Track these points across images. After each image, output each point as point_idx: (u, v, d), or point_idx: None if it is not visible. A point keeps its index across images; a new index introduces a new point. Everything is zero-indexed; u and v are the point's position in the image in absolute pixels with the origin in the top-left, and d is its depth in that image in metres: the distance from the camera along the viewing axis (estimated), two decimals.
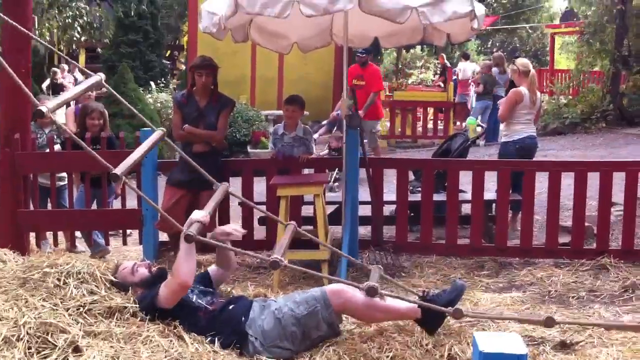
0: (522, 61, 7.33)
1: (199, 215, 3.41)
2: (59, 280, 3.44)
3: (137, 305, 3.49)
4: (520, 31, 33.04)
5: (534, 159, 6.99)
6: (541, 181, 6.08)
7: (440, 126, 14.79)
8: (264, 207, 6.18)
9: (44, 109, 3.07)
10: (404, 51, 22.71)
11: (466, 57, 18.82)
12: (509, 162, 6.34)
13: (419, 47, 24.47)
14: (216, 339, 3.40)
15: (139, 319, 3.40)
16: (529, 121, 6.97)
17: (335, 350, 3.31)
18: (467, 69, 17.32)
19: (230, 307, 3.63)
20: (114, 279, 3.70)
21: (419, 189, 6.36)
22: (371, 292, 3.27)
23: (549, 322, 3.36)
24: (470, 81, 16.66)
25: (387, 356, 3.28)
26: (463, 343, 3.56)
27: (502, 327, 3.93)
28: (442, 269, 5.57)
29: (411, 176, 6.73)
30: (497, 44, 34.69)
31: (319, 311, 3.51)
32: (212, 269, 4.05)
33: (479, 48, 32.67)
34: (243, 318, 3.53)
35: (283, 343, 3.46)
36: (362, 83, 10.21)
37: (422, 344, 3.50)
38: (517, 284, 5.22)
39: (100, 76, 3.68)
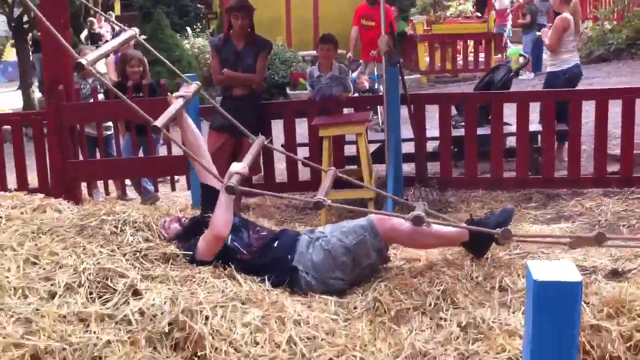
0: None
1: (238, 167, 3.40)
2: (115, 227, 3.51)
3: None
4: None
5: (579, 87, 6.85)
6: (587, 110, 5.95)
7: (481, 59, 14.45)
8: (306, 150, 6.22)
9: (83, 61, 3.09)
10: None
11: None
12: (553, 91, 6.23)
13: None
14: (266, 277, 3.45)
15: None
16: (574, 48, 6.83)
17: (387, 286, 3.35)
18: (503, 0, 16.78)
19: (275, 244, 3.62)
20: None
21: (462, 123, 6.29)
22: (417, 221, 3.19)
23: (600, 238, 3.26)
24: (508, 10, 16.17)
25: (438, 290, 3.30)
26: (514, 274, 3.55)
27: (553, 258, 3.92)
28: (489, 203, 5.55)
29: (453, 111, 6.66)
30: None
31: (368, 239, 3.53)
32: (200, 174, 3.91)
33: None
34: (289, 256, 3.53)
35: (335, 273, 3.50)
36: (372, 24, 9.42)
37: (473, 277, 3.50)
38: (565, 215, 5.17)
39: (135, 30, 3.72)
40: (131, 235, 3.46)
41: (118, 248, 3.37)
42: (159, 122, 3.21)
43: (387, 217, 3.63)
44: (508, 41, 15.64)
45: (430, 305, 3.20)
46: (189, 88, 3.70)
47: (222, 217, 3.46)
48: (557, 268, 1.77)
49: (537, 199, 5.60)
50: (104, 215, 3.63)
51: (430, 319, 3.11)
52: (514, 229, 4.53)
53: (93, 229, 3.52)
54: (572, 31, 6.70)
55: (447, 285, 3.36)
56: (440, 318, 3.10)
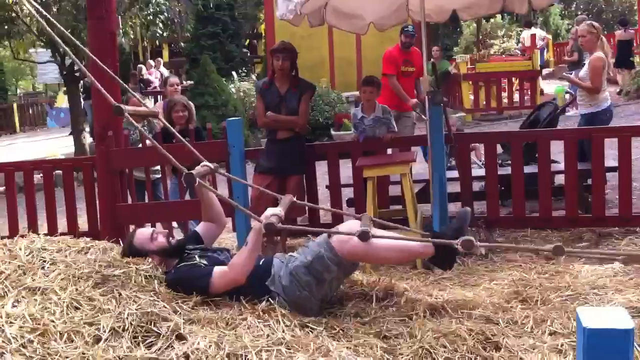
0: (594, 24, 7.03)
1: (276, 210, 3.44)
2: (146, 278, 3.53)
3: (174, 281, 3.55)
4: None
5: (633, 124, 6.73)
6: (637, 147, 5.81)
7: (527, 96, 14.32)
8: (350, 190, 6.20)
9: (123, 107, 3.17)
10: (483, 21, 22.10)
11: (528, 25, 18.28)
12: (602, 129, 6.11)
13: (499, 16, 23.76)
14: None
15: (234, 306, 3.46)
16: (607, 87, 6.70)
17: (434, 331, 3.26)
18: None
19: (255, 269, 3.65)
20: (131, 245, 3.79)
21: (509, 162, 6.21)
22: (364, 236, 3.09)
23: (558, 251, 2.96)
24: (537, 48, 16.20)
25: (487, 335, 3.22)
26: (564, 317, 3.47)
27: (606, 300, 3.80)
28: (539, 243, 5.43)
29: (499, 149, 6.58)
30: (582, 7, 33.28)
31: (323, 254, 3.55)
32: (200, 227, 4.13)
33: (562, 12, 31.46)
34: (267, 277, 3.64)
35: (303, 293, 3.55)
36: (411, 69, 8.25)
37: (522, 321, 3.44)
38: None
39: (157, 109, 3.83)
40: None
41: (155, 295, 3.37)
42: (195, 171, 3.29)
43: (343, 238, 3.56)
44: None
45: (478, 351, 3.11)
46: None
47: (246, 264, 3.54)
48: (608, 314, 1.71)
49: (589, 238, 5.46)
50: (126, 265, 3.62)
51: None
52: (565, 269, 4.44)
53: (119, 277, 3.49)
54: (606, 69, 6.59)
55: (496, 330, 3.29)
56: None
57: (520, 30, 21.31)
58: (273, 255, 3.90)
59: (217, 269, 3.57)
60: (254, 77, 16.95)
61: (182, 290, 3.51)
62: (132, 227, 6.24)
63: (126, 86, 4.00)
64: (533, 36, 18.24)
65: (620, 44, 15.45)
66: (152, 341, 2.98)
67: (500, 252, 5.28)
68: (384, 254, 3.65)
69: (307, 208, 6.09)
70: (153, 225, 6.59)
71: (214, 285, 3.53)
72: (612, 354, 1.64)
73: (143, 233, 3.88)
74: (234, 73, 15.88)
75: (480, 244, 3.25)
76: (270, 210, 3.43)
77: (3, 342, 2.78)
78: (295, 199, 3.83)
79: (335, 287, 3.72)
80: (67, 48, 3.36)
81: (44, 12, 3.53)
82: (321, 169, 6.35)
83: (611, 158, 5.95)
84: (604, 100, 6.60)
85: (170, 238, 3.87)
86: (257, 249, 3.57)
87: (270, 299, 3.55)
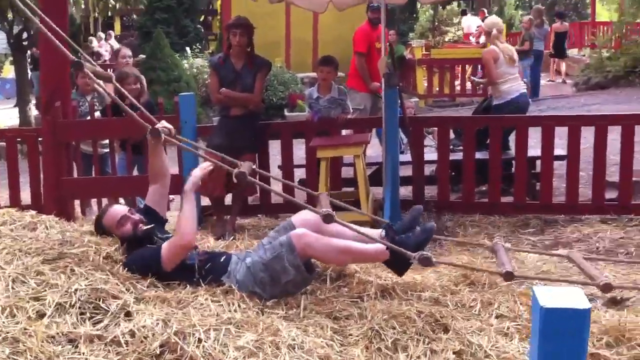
0: (487, 21, 7.35)
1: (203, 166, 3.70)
2: (98, 255, 3.45)
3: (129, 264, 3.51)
4: None
5: (583, 114, 6.83)
6: (585, 137, 5.93)
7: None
8: (303, 171, 6.18)
9: (82, 62, 3.09)
10: (440, 8, 22.23)
11: (464, 13, 18.74)
12: (553, 117, 6.22)
13: (455, 3, 23.94)
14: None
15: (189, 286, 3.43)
16: (515, 78, 6.74)
17: (383, 312, 3.27)
18: (471, 24, 17.19)
19: (214, 261, 3.66)
20: (100, 222, 3.79)
21: (460, 147, 6.27)
22: (328, 219, 3.27)
23: (606, 288, 3.25)
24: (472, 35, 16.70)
25: (436, 317, 3.24)
26: (510, 301, 3.52)
27: (549, 285, 3.87)
28: (486, 228, 5.51)
29: (451, 135, 6.62)
30: None
31: (284, 255, 3.50)
32: (148, 197, 4.05)
33: (517, 2, 31.82)
34: (224, 273, 3.60)
35: (255, 289, 3.50)
36: (380, 46, 7.83)
37: (470, 305, 3.47)
38: (563, 242, 5.13)
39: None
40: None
41: (111, 274, 3.29)
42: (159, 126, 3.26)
43: (304, 234, 3.54)
44: None
45: (426, 332, 3.13)
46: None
47: (190, 225, 3.54)
48: (564, 295, 1.72)
49: (535, 225, 5.56)
50: (87, 243, 3.56)
51: (427, 345, 3.05)
52: (511, 255, 4.51)
53: (76, 254, 3.41)
54: (502, 61, 6.63)
55: (444, 312, 3.31)
56: (437, 346, 3.04)
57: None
58: (231, 253, 3.83)
59: (165, 242, 3.55)
60: (207, 53, 16.70)
61: (138, 271, 3.45)
62: (77, 202, 6.10)
63: (78, 48, 3.86)
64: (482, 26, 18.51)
65: (557, 36, 15.95)
66: (99, 318, 2.91)
67: (448, 234, 5.33)
68: (340, 258, 3.62)
69: (258, 188, 6.03)
70: (100, 202, 6.46)
71: (166, 256, 3.48)
72: (568, 334, 1.65)
73: (113, 215, 3.76)
74: (187, 49, 15.60)
75: (436, 260, 3.36)
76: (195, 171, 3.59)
77: None
78: (254, 167, 3.81)
79: (291, 292, 3.56)
80: (20, 3, 3.22)
81: None
82: (274, 149, 6.30)
83: (559, 147, 6.05)
84: (507, 92, 6.59)
85: (140, 226, 3.72)
86: (193, 207, 3.59)
87: None
